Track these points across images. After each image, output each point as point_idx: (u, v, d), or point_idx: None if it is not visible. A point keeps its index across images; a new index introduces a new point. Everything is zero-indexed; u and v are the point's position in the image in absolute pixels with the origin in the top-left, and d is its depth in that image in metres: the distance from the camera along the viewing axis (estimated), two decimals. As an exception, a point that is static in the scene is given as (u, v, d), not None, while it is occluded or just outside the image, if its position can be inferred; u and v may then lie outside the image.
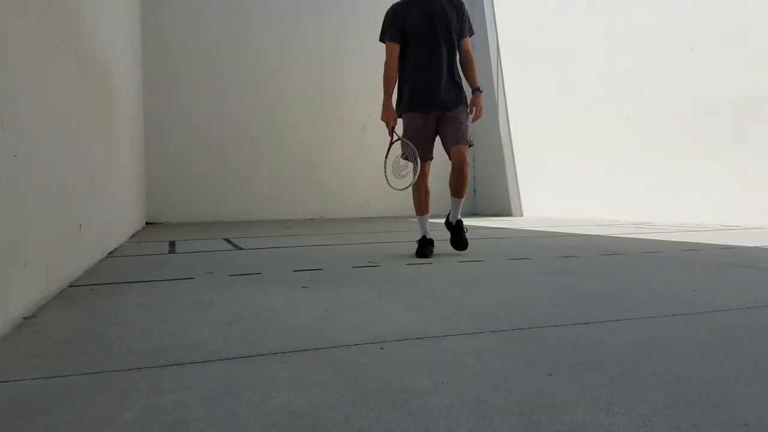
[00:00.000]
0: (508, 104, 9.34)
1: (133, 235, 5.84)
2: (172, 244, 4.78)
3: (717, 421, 0.95)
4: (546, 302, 1.99)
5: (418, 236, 3.53)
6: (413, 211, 3.60)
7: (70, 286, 2.52)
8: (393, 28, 3.32)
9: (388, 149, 3.41)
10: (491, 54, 9.80)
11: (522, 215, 9.01)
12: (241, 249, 4.25)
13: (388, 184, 3.37)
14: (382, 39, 3.41)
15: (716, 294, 2.10)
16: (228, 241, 4.98)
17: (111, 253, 3.99)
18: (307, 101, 9.25)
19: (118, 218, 4.63)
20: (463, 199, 3.45)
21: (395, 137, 3.41)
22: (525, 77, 8.96)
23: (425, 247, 3.42)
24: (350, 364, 1.30)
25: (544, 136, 8.51)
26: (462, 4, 3.43)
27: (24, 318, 1.82)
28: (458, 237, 3.44)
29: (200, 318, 1.82)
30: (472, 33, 3.46)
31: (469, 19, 3.45)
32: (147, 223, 8.14)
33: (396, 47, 3.34)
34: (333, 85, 9.17)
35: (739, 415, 0.97)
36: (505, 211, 9.28)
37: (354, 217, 9.06)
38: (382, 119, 3.39)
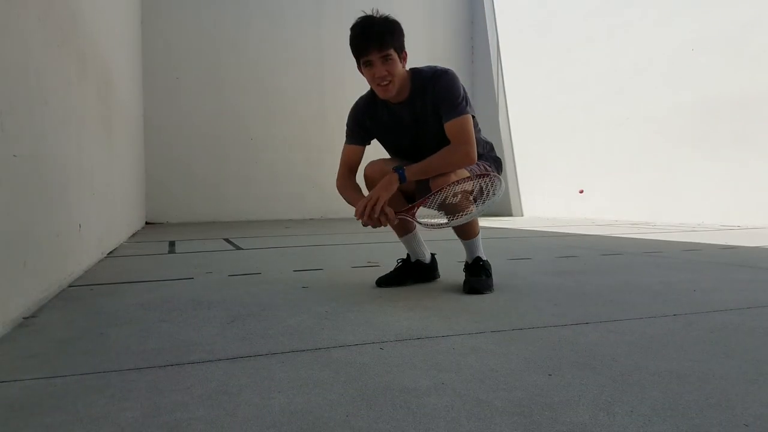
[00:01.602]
0: (508, 103, 9.35)
1: (133, 235, 5.83)
2: (171, 244, 4.78)
3: (717, 421, 0.95)
4: (546, 302, 1.99)
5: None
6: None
7: (70, 286, 2.52)
8: (354, 132, 2.35)
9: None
10: (491, 53, 9.80)
11: (522, 215, 9.01)
12: (241, 249, 4.25)
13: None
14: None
15: (716, 294, 2.10)
16: (228, 241, 4.98)
17: (111, 253, 3.99)
18: (307, 101, 9.25)
19: (117, 218, 4.63)
20: (474, 240, 2.33)
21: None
22: (525, 76, 8.96)
23: (395, 272, 2.42)
24: (350, 364, 1.30)
25: (544, 136, 8.51)
26: (439, 79, 2.15)
27: (24, 318, 1.82)
28: (471, 276, 2.26)
29: (200, 318, 1.81)
30: (459, 114, 2.12)
31: (454, 99, 2.13)
32: (147, 223, 8.14)
33: (355, 151, 2.34)
34: (333, 85, 9.17)
35: (739, 415, 0.97)
36: (505, 211, 9.28)
37: (354, 217, 9.05)
38: (361, 217, 2.11)
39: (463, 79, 9.95)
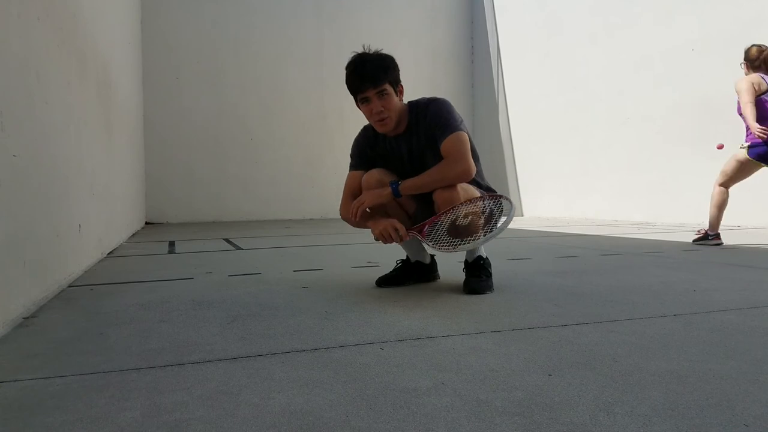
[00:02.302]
0: (508, 103, 9.35)
1: (133, 235, 5.83)
2: (171, 244, 4.78)
3: (717, 421, 0.95)
4: (546, 302, 1.99)
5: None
6: None
7: (70, 286, 2.52)
8: (357, 160, 2.36)
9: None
10: (491, 53, 9.80)
11: (522, 215, 9.01)
12: (241, 249, 4.25)
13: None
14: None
15: (716, 294, 2.10)
16: (228, 241, 4.98)
17: (111, 253, 3.99)
18: (307, 101, 9.25)
19: (117, 218, 4.63)
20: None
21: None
22: (525, 76, 8.96)
23: (395, 273, 2.43)
24: (350, 364, 1.30)
25: (544, 136, 8.51)
26: (430, 104, 2.18)
27: (24, 318, 1.82)
28: (471, 276, 2.27)
29: (200, 318, 1.82)
30: (453, 131, 2.11)
31: (446, 120, 2.13)
32: (147, 223, 8.14)
33: (359, 176, 2.30)
34: (333, 85, 9.17)
35: (739, 415, 0.97)
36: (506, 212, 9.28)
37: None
38: (381, 233, 2.13)
39: (464, 79, 9.97)
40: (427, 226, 2.10)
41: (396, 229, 2.09)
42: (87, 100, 3.24)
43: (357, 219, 2.19)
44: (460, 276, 2.39)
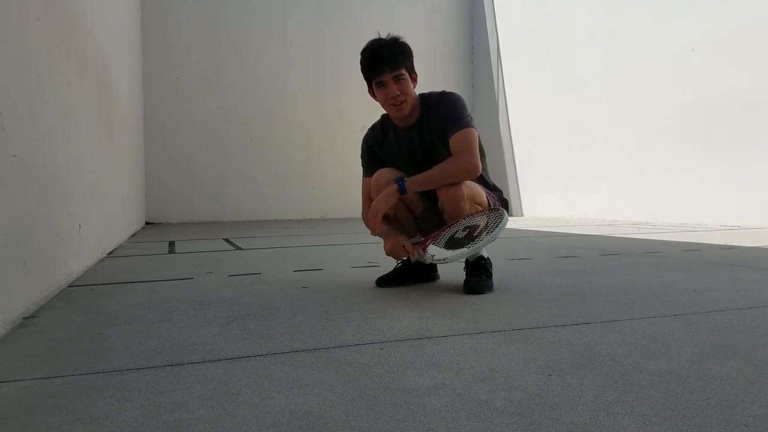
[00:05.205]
0: (508, 103, 9.34)
1: (133, 235, 5.83)
2: (171, 244, 4.78)
3: (717, 421, 0.95)
4: (546, 302, 1.99)
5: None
6: None
7: (70, 286, 2.52)
8: (369, 164, 2.36)
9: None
10: (491, 53, 9.80)
11: (522, 215, 9.01)
12: (241, 249, 4.25)
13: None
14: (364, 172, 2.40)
15: (716, 294, 2.09)
16: (228, 241, 4.98)
17: (111, 253, 3.99)
18: (307, 101, 9.25)
19: (117, 218, 4.63)
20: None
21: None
22: (525, 76, 8.96)
23: (395, 273, 2.40)
24: (350, 364, 1.30)
25: (544, 136, 8.51)
26: (443, 98, 2.21)
27: (24, 318, 1.82)
28: (471, 276, 2.25)
29: (200, 318, 1.81)
30: (463, 127, 2.16)
31: (459, 115, 2.17)
32: (147, 223, 8.14)
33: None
34: (333, 85, 9.17)
35: (739, 415, 0.97)
36: (505, 211, 9.26)
37: (354, 217, 9.05)
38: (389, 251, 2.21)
39: (464, 79, 10.03)
40: (430, 241, 2.15)
41: (404, 247, 2.16)
42: (87, 100, 3.24)
43: (378, 231, 2.21)
44: (460, 276, 2.39)
